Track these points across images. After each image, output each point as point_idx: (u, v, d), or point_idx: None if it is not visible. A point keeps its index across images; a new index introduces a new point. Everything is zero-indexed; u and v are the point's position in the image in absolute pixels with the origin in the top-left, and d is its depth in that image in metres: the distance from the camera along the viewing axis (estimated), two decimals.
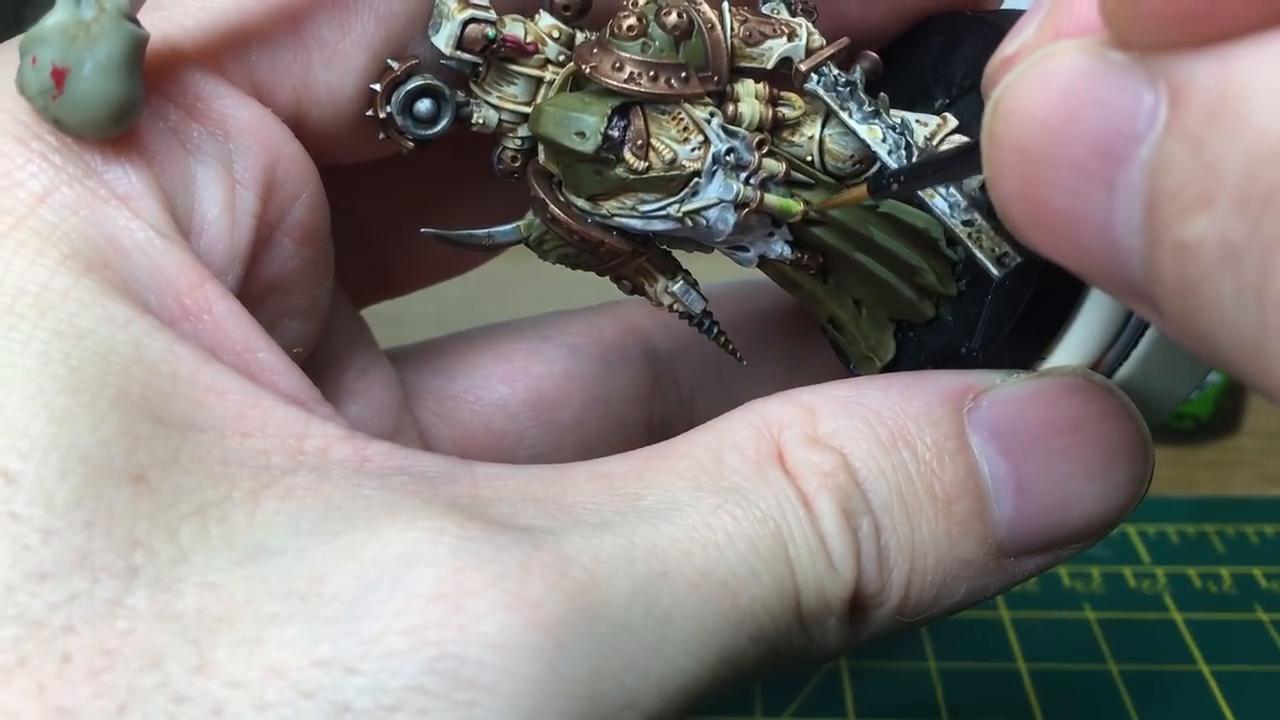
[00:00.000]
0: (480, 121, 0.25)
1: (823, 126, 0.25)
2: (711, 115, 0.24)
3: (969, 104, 0.25)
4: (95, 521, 0.17)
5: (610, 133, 0.23)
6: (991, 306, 0.24)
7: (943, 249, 0.25)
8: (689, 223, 0.24)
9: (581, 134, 0.23)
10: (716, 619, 0.20)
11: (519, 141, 0.25)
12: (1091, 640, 0.48)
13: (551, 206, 0.25)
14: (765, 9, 0.25)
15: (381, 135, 0.25)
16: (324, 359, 0.28)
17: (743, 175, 0.24)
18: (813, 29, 0.25)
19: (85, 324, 0.19)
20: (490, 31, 0.24)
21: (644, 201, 0.24)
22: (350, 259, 0.29)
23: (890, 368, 0.27)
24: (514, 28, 0.24)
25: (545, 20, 0.24)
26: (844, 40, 0.25)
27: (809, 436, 0.23)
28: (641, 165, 0.24)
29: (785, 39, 0.24)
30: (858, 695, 0.45)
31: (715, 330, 0.28)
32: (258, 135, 0.23)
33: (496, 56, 0.24)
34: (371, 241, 0.31)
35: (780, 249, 0.26)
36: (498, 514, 0.20)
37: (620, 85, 0.23)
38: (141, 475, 0.18)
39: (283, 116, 0.24)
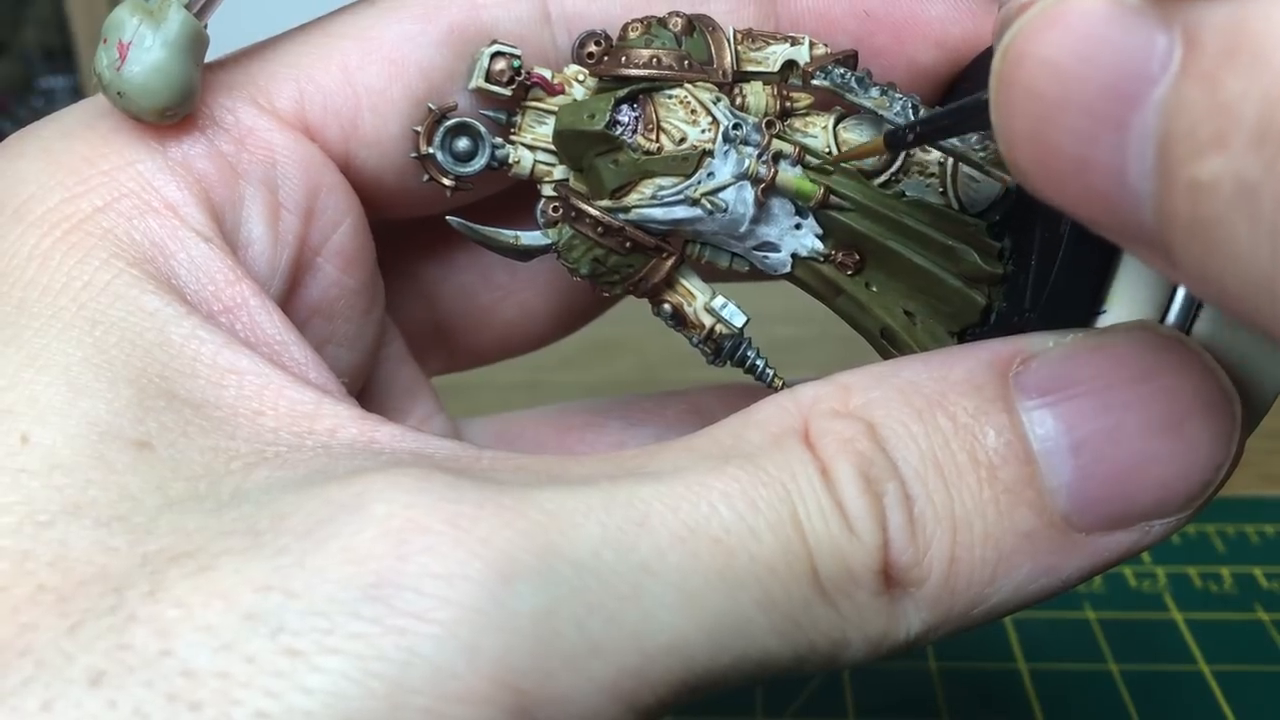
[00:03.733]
0: (516, 161, 0.26)
1: (836, 122, 0.25)
2: (717, 99, 0.25)
3: None
4: (93, 479, 0.19)
5: (619, 117, 0.24)
6: (1036, 261, 0.23)
7: (980, 233, 0.25)
8: (707, 206, 0.25)
9: (591, 115, 0.25)
10: (708, 576, 0.19)
11: (555, 182, 0.26)
12: (1092, 640, 0.48)
13: (576, 200, 0.25)
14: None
15: (426, 178, 0.26)
16: (380, 404, 0.30)
17: (753, 153, 0.25)
18: (815, 40, 0.25)
19: (117, 313, 0.21)
20: (516, 61, 0.25)
21: (662, 189, 0.25)
22: (416, 326, 0.31)
23: None
24: (541, 71, 0.26)
25: (571, 68, 0.26)
26: (851, 50, 0.25)
27: (837, 410, 0.22)
28: (653, 146, 0.24)
29: (788, 44, 0.25)
30: (857, 695, 0.45)
31: (753, 357, 0.28)
32: (302, 165, 0.25)
33: (525, 94, 0.26)
34: (436, 309, 0.32)
35: (811, 242, 0.26)
36: (477, 472, 0.20)
37: (626, 72, 0.24)
38: (147, 442, 0.19)
39: (331, 156, 0.26)
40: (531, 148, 0.26)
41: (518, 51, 0.25)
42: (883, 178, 0.25)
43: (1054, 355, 0.22)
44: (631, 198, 0.25)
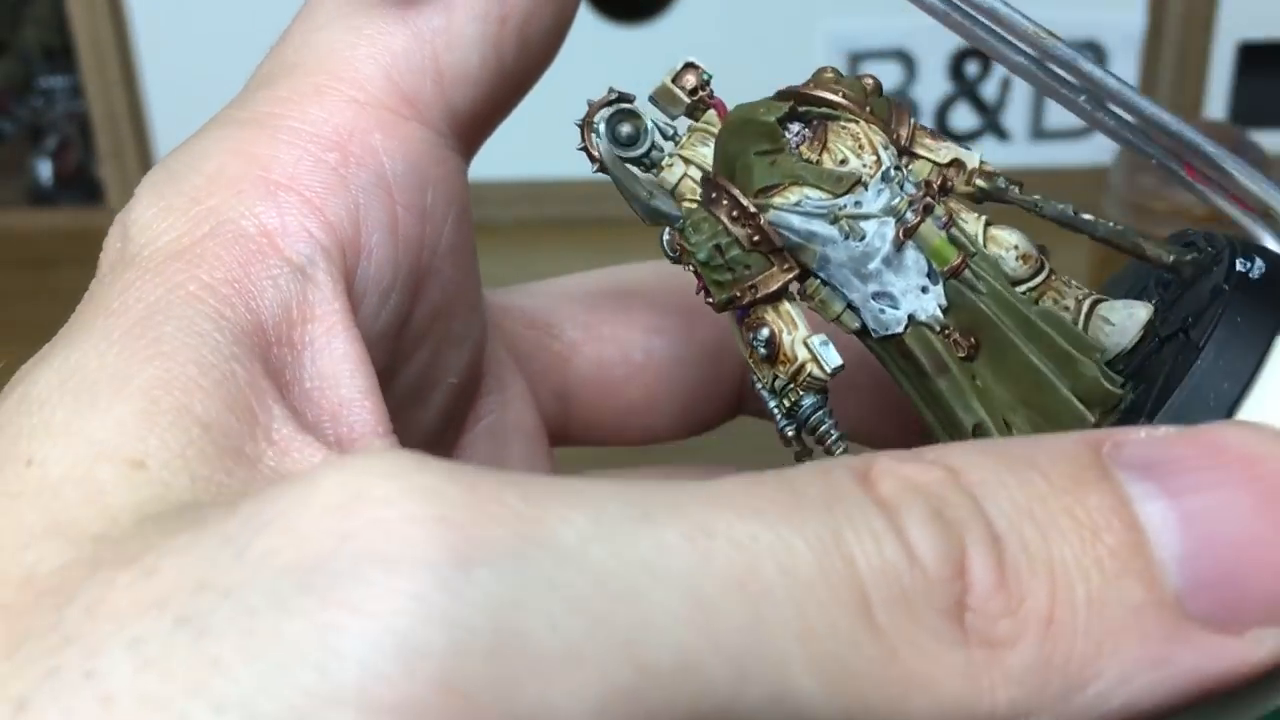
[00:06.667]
0: (669, 166, 0.26)
1: (988, 223, 0.25)
2: (887, 145, 0.25)
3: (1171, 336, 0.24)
4: (80, 498, 0.18)
5: (789, 126, 0.25)
6: (1159, 391, 0.22)
7: (1105, 349, 0.24)
8: (846, 228, 0.24)
9: (766, 110, 0.25)
10: (726, 584, 0.16)
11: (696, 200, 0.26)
12: None
13: (722, 180, 0.25)
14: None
15: (580, 145, 0.26)
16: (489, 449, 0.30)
17: (907, 199, 0.25)
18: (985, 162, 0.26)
19: (165, 331, 0.20)
20: (705, 76, 0.26)
21: (808, 198, 0.24)
22: (545, 386, 0.31)
23: None
24: (721, 98, 0.26)
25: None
26: (1017, 180, 0.26)
27: (908, 457, 0.19)
28: (814, 157, 0.25)
29: (961, 147, 0.26)
30: None
31: (834, 435, 0.25)
32: (410, 155, 0.24)
33: (700, 112, 0.26)
34: (568, 372, 0.32)
35: (933, 309, 0.25)
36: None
37: (812, 91, 0.25)
38: (142, 461, 0.18)
39: (432, 121, 0.25)
40: (687, 162, 0.26)
41: (710, 75, 0.26)
42: (1018, 287, 0.25)
43: (1149, 439, 0.20)
44: (776, 199, 0.24)
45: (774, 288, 0.25)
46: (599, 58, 1.03)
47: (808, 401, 0.25)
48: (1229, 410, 0.22)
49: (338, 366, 0.22)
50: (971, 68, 0.88)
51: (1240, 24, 0.86)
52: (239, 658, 0.15)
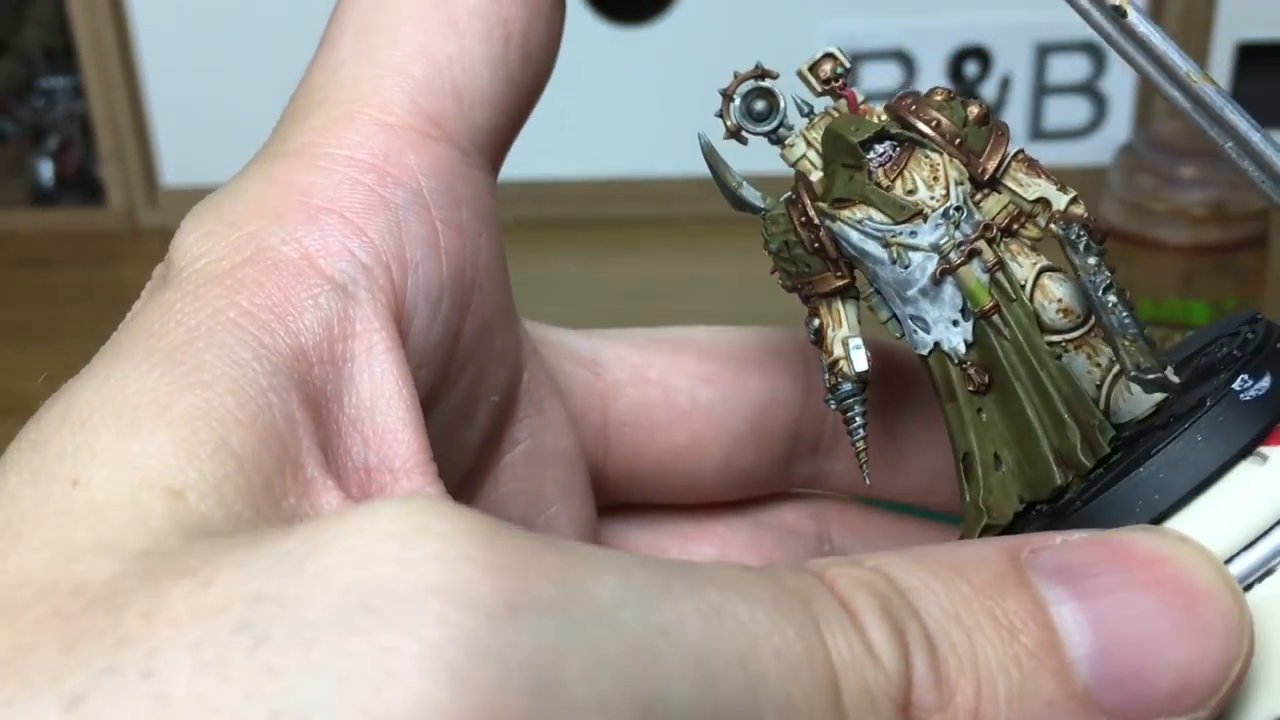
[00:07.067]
0: (791, 145, 0.28)
1: (1045, 269, 0.27)
2: (961, 183, 0.26)
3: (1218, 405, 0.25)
4: (125, 519, 0.18)
5: (877, 146, 0.26)
6: (1121, 471, 0.24)
7: (1098, 431, 0.25)
8: (894, 254, 0.26)
9: (856, 129, 0.26)
10: (729, 660, 0.18)
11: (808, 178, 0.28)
12: None
13: (802, 188, 0.27)
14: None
15: (718, 112, 0.28)
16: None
17: (957, 238, 0.26)
18: (1080, 202, 0.27)
19: (206, 358, 0.21)
20: (840, 69, 0.27)
21: (870, 219, 0.26)
22: (587, 424, 0.31)
23: (999, 532, 0.26)
24: (855, 89, 0.27)
25: (876, 105, 0.28)
26: (1105, 228, 0.27)
27: (851, 563, 0.21)
28: (886, 183, 0.26)
29: (1056, 188, 0.27)
30: None
31: (858, 422, 0.28)
32: (443, 172, 0.25)
33: (833, 95, 0.28)
34: (609, 413, 0.32)
35: (957, 342, 0.27)
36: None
37: (908, 118, 0.26)
38: (181, 491, 0.19)
39: (458, 141, 0.26)
40: (809, 144, 0.28)
41: (849, 64, 0.27)
42: (1054, 336, 0.26)
43: (1063, 545, 0.22)
44: (844, 213, 0.27)
45: (827, 289, 0.28)
46: (599, 58, 1.04)
47: (845, 387, 0.28)
48: (1154, 519, 0.23)
49: (378, 387, 0.23)
50: (971, 68, 0.88)
51: (1239, 24, 0.86)
52: (298, 668, 0.15)
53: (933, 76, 0.88)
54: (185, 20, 0.90)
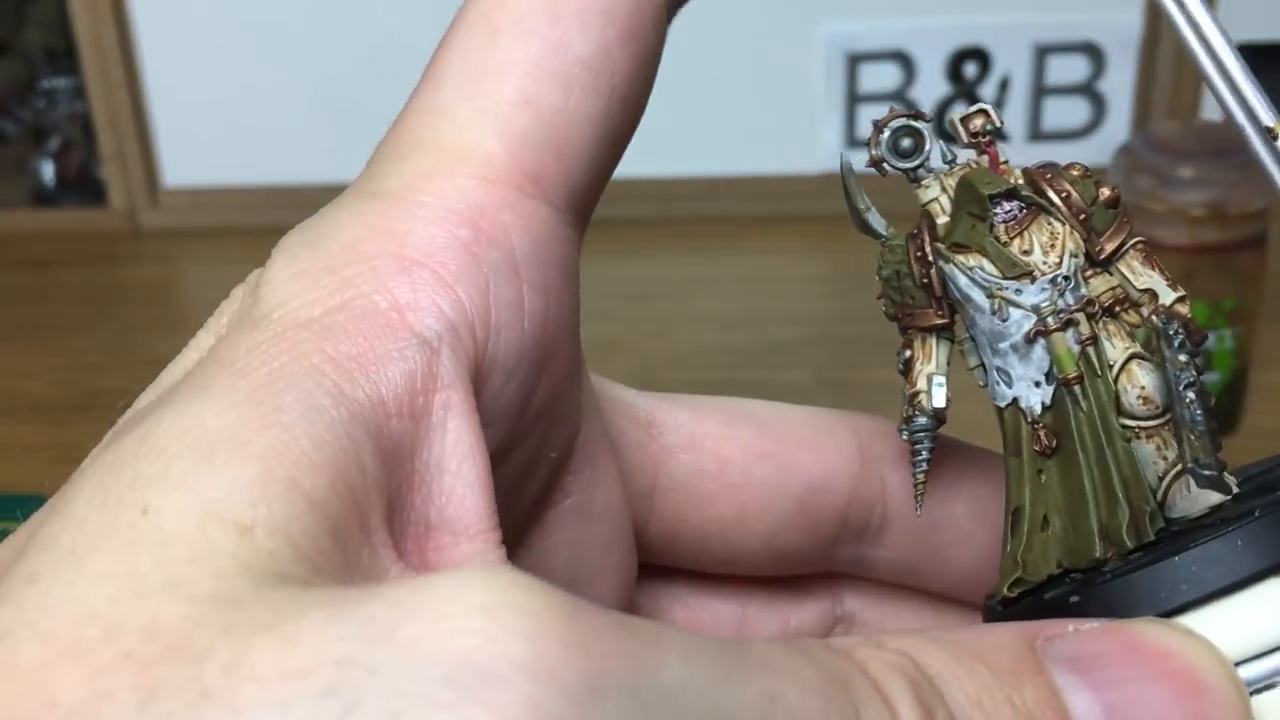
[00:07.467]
0: (926, 187, 0.29)
1: (1134, 356, 0.28)
2: (1075, 255, 0.28)
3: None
4: (193, 555, 0.18)
5: (1005, 202, 0.28)
6: (1155, 556, 0.25)
7: (1147, 518, 0.26)
8: (996, 306, 0.28)
9: (989, 183, 0.28)
10: None
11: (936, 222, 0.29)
12: None
13: (925, 225, 0.29)
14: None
15: (866, 163, 0.29)
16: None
17: (1059, 306, 0.27)
18: (1188, 300, 0.28)
19: (284, 400, 0.21)
20: (990, 127, 0.28)
21: (981, 269, 0.28)
22: (635, 490, 0.32)
23: (1028, 593, 0.27)
24: (999, 149, 0.28)
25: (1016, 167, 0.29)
26: (1204, 332, 0.27)
27: (878, 645, 0.22)
28: (1005, 239, 0.28)
29: (1167, 283, 0.28)
30: None
31: (924, 455, 0.29)
32: (536, 235, 0.25)
33: (978, 150, 0.29)
34: (658, 476, 0.32)
35: (1035, 402, 0.28)
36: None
37: (1041, 185, 0.28)
38: (249, 526, 0.19)
39: (554, 199, 0.26)
40: (943, 189, 0.29)
41: (999, 124, 0.28)
42: (1129, 421, 0.27)
43: (1075, 634, 0.23)
44: (959, 257, 0.28)
45: (925, 324, 0.29)
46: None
47: (920, 420, 0.29)
48: (1175, 609, 0.24)
49: (452, 447, 0.23)
50: (970, 69, 0.88)
51: (1238, 25, 0.86)
52: None
53: (932, 77, 0.88)
54: (186, 21, 0.90)
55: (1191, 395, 0.27)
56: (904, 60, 0.87)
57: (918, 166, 0.29)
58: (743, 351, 0.68)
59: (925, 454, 0.29)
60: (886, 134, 0.29)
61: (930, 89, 0.88)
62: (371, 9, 0.88)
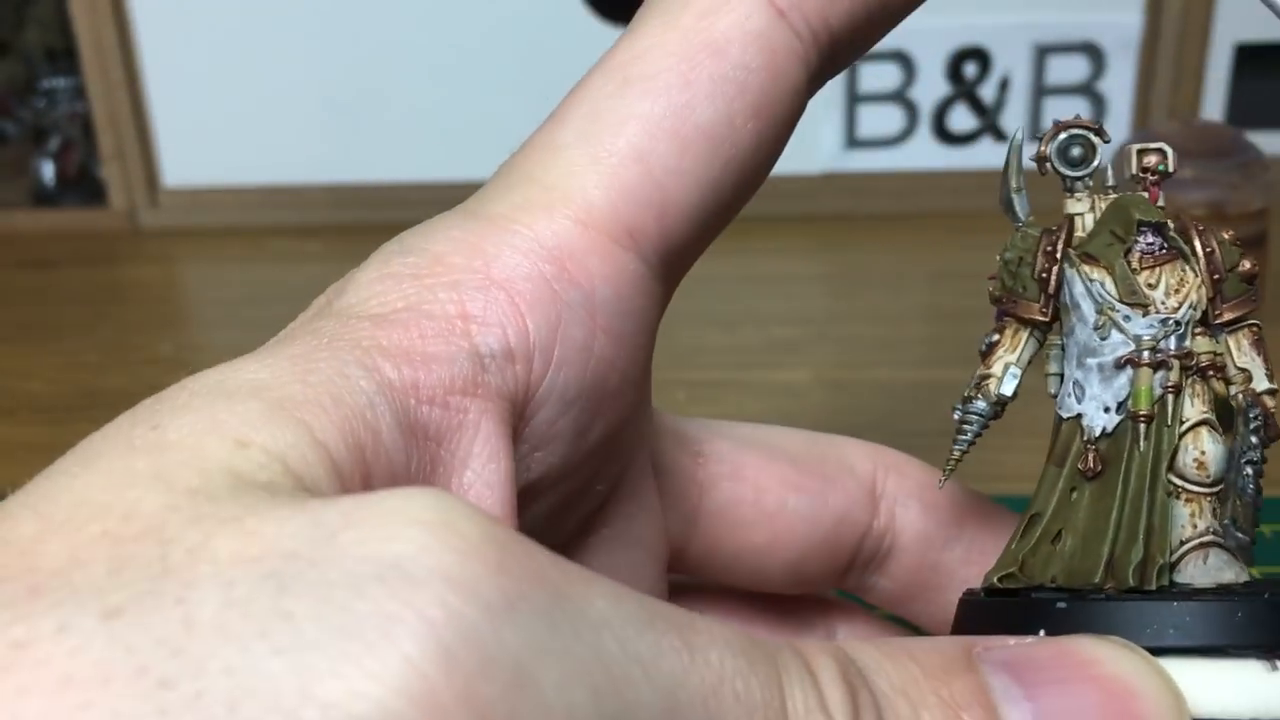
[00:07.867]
0: (1079, 199, 0.29)
1: (1208, 423, 0.28)
2: (1195, 307, 0.28)
3: None
4: (186, 461, 0.20)
5: (1148, 234, 0.28)
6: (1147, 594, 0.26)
7: (1156, 569, 0.27)
8: (1101, 321, 0.28)
9: (1139, 209, 0.28)
10: (693, 699, 0.19)
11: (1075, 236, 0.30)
12: None
13: (1063, 223, 0.29)
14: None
15: (1031, 157, 0.30)
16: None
17: (1159, 343, 0.28)
18: None
19: (322, 374, 0.22)
20: (1162, 168, 0.29)
21: (1101, 284, 0.28)
22: (675, 511, 0.32)
23: (1016, 591, 0.28)
24: (1159, 189, 0.29)
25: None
26: None
27: (817, 640, 0.23)
28: (1136, 266, 0.28)
29: (1265, 371, 0.28)
30: None
31: (968, 437, 0.29)
32: (620, 288, 0.26)
33: (1142, 186, 0.29)
34: (701, 502, 0.33)
35: (1098, 425, 0.28)
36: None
37: (1189, 232, 0.28)
38: (248, 444, 0.20)
39: (647, 253, 0.26)
40: (1092, 208, 0.29)
41: (1172, 170, 0.29)
42: (1176, 479, 0.27)
43: (1015, 645, 0.23)
44: (1085, 266, 0.28)
45: (1025, 315, 0.29)
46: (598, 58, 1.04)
47: (979, 404, 0.29)
48: (1158, 649, 0.24)
49: (479, 448, 0.24)
50: (970, 69, 0.88)
51: (1237, 25, 0.86)
52: (308, 616, 0.17)
53: (932, 77, 0.88)
54: (186, 21, 0.90)
55: (1250, 471, 0.27)
56: (904, 60, 0.87)
57: (1078, 178, 0.29)
58: (743, 351, 0.68)
59: (970, 437, 0.29)
60: (1062, 136, 0.30)
61: (930, 89, 0.88)
62: (372, 10, 0.88)
